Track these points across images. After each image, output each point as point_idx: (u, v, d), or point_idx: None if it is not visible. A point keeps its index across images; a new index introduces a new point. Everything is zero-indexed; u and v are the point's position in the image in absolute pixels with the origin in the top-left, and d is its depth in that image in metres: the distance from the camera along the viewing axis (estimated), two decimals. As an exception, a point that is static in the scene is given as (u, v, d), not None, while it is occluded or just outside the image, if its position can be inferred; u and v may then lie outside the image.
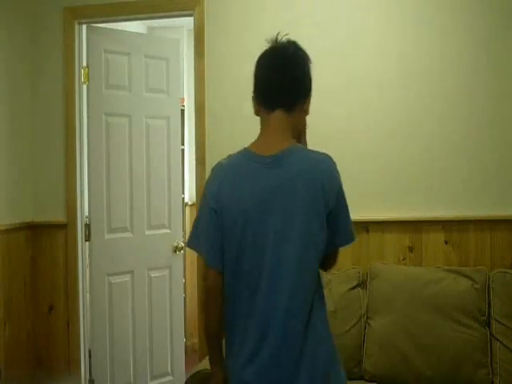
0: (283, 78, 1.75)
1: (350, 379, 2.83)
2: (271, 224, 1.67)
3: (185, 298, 4.49)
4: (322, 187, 1.68)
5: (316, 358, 1.69)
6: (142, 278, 3.80)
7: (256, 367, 1.67)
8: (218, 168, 1.79)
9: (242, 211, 1.68)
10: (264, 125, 1.79)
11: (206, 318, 1.80)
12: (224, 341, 1.81)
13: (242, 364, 1.69)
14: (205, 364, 2.69)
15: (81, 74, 3.63)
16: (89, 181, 3.66)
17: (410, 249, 3.17)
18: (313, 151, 1.76)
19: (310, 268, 1.71)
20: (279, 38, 1.79)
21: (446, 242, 3.13)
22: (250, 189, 1.69)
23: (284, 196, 1.67)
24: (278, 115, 1.75)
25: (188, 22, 3.95)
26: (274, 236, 1.67)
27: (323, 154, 1.75)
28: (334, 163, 1.74)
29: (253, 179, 1.70)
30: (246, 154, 1.75)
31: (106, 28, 3.72)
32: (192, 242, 1.82)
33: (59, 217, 3.61)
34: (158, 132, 3.90)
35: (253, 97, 1.81)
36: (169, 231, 3.94)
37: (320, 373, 1.70)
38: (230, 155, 1.81)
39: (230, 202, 1.70)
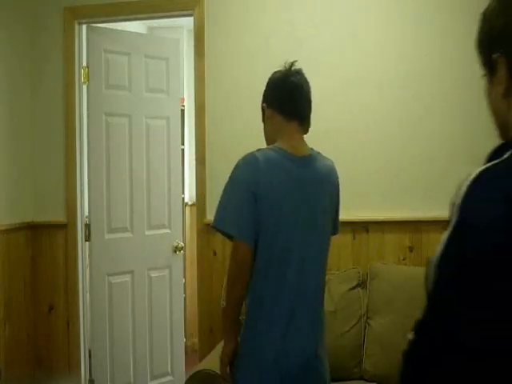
0: (304, 96, 2.07)
1: (350, 379, 2.85)
2: (301, 211, 1.96)
3: (185, 298, 4.49)
4: (335, 187, 2.10)
5: (324, 341, 2.06)
6: (142, 278, 3.80)
7: (291, 340, 1.93)
8: (253, 158, 1.95)
9: (278, 197, 1.93)
10: (281, 130, 2.04)
11: (234, 290, 1.95)
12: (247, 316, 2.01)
13: (274, 337, 1.93)
14: (205, 364, 2.70)
15: (81, 74, 3.63)
16: (89, 181, 3.66)
17: (410, 249, 3.17)
18: (323, 156, 2.10)
19: (325, 255, 2.06)
20: (295, 64, 2.08)
21: (446, 242, 3.12)
22: (285, 179, 1.95)
23: (311, 190, 1.99)
24: (295, 125, 2.04)
25: (188, 22, 3.94)
26: (302, 223, 1.96)
27: (329, 158, 2.12)
28: None
29: (287, 172, 1.96)
30: (279, 151, 1.98)
31: (106, 28, 3.72)
32: (219, 224, 1.96)
33: (59, 217, 3.61)
34: (158, 132, 3.90)
35: (266, 105, 2.07)
36: (169, 231, 3.94)
37: (325, 350, 2.07)
38: (260, 149, 2.00)
39: (267, 187, 1.92)
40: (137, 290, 3.78)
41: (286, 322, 1.94)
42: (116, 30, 3.80)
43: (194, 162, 3.56)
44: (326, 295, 2.07)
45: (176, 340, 3.95)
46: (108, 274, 3.68)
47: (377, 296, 2.94)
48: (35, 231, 3.61)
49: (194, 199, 3.71)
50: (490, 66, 1.07)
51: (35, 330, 3.61)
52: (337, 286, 2.98)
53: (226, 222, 1.95)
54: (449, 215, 1.02)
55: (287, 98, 2.04)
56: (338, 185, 2.11)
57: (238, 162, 1.98)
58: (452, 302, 1.00)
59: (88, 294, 3.67)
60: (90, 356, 3.64)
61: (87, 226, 3.65)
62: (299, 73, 2.07)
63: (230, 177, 1.98)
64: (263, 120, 2.13)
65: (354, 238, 3.21)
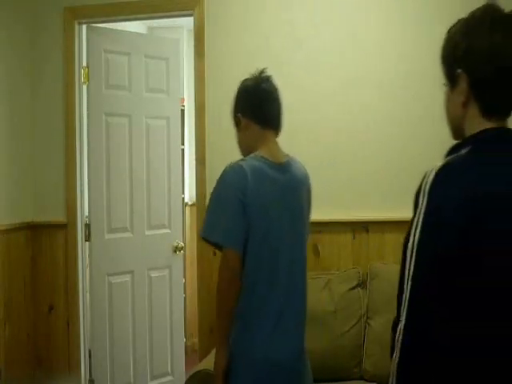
0: (275, 102, 2.11)
1: (350, 379, 2.85)
2: (285, 217, 2.02)
3: (185, 298, 4.49)
4: (309, 191, 2.16)
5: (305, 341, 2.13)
6: (142, 278, 3.80)
7: (279, 340, 1.97)
8: (239, 168, 1.98)
9: (265, 204, 1.98)
10: (259, 139, 2.08)
11: (227, 297, 1.96)
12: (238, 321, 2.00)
13: (263, 339, 1.96)
14: (205, 364, 2.69)
15: (81, 74, 3.63)
16: (89, 181, 3.66)
17: (410, 249, 3.16)
18: (295, 160, 2.15)
19: (306, 256, 2.12)
20: (265, 71, 2.12)
21: (446, 242, 3.12)
22: (270, 187, 2.00)
23: (291, 197, 2.05)
24: (270, 131, 2.10)
25: (188, 22, 3.94)
26: (287, 228, 2.02)
27: (300, 162, 2.17)
28: None
29: (271, 180, 2.01)
30: (262, 160, 2.02)
31: (106, 28, 3.72)
32: (208, 235, 1.97)
33: (59, 217, 3.61)
34: (158, 132, 3.90)
35: (241, 115, 2.10)
36: (169, 231, 3.94)
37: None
38: (243, 159, 2.04)
39: (255, 196, 1.95)
40: (137, 290, 3.78)
41: (273, 325, 1.96)
42: (116, 30, 3.80)
43: (194, 162, 3.56)
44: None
45: (176, 340, 3.95)
46: (108, 274, 3.68)
47: (377, 296, 2.94)
48: (35, 231, 3.61)
49: (194, 199, 3.71)
50: (452, 78, 1.16)
51: (35, 330, 3.61)
52: (337, 286, 2.98)
53: (215, 231, 1.96)
54: (413, 203, 1.08)
55: (260, 105, 2.08)
56: (310, 189, 2.18)
57: (225, 170, 2.00)
58: (426, 299, 1.02)
59: (88, 294, 3.67)
60: (90, 356, 3.64)
61: (87, 226, 3.65)
62: (269, 79, 2.11)
63: (217, 186, 1.99)
64: (237, 129, 2.15)
65: (354, 238, 3.21)
